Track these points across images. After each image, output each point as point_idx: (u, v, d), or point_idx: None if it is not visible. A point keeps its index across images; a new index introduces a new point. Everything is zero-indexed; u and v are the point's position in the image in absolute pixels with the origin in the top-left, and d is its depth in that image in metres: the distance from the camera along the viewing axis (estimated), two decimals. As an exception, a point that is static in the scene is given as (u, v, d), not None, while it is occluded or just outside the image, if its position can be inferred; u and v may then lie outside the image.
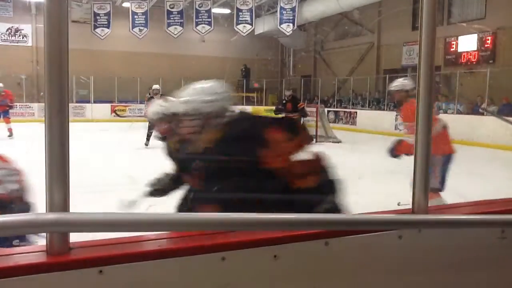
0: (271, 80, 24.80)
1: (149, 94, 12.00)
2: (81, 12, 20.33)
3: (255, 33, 20.61)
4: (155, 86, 11.88)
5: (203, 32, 17.35)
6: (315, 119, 13.96)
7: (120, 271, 1.19)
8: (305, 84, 23.52)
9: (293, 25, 16.44)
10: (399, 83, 4.96)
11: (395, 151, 5.19)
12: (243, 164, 1.89)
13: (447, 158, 4.82)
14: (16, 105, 18.04)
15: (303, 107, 12.39)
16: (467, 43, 15.89)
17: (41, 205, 1.15)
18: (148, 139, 10.76)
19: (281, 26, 16.48)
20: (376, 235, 1.49)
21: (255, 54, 24.77)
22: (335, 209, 2.13)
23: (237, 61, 24.48)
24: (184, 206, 2.59)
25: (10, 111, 14.25)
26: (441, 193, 4.60)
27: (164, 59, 22.57)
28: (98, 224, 1.12)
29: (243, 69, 24.69)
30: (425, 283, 1.61)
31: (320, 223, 1.37)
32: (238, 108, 2.19)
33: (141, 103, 22.24)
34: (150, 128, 9.93)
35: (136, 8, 17.58)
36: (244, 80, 24.15)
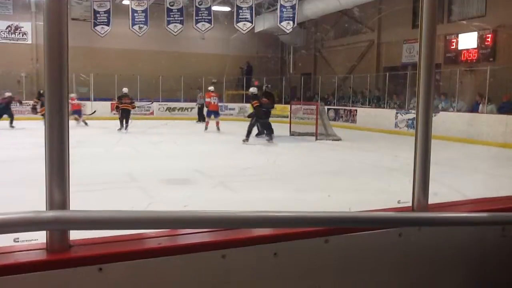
0: (271, 78, 24.80)
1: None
2: (81, 9, 20.29)
3: (255, 31, 20.57)
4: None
5: (203, 29, 17.30)
6: (315, 117, 13.96)
7: (120, 269, 1.19)
8: (305, 82, 23.49)
9: (293, 23, 16.39)
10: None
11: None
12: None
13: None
14: (16, 103, 18.18)
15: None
16: (467, 41, 15.86)
17: (41, 203, 1.15)
18: None
19: (281, 24, 16.43)
20: (376, 232, 1.49)
21: (255, 52, 24.73)
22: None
23: (237, 58, 24.44)
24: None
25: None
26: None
27: (164, 56, 22.55)
28: (98, 222, 1.12)
29: (245, 67, 24.67)
30: (425, 280, 1.61)
31: (320, 220, 1.37)
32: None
33: (141, 100, 22.23)
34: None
35: (136, 5, 17.55)
36: (245, 78, 24.13)
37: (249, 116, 13.61)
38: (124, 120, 15.44)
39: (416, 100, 1.56)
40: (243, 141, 12.25)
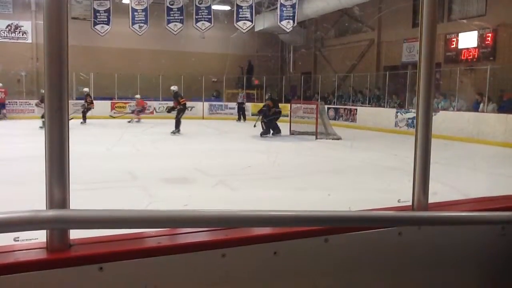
0: (271, 77, 24.76)
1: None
2: (81, 8, 20.28)
3: (255, 30, 20.56)
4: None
5: (203, 28, 17.32)
6: (315, 116, 13.96)
7: (120, 268, 1.19)
8: (305, 81, 23.48)
9: (293, 22, 16.41)
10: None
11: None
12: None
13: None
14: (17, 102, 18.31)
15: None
16: (467, 40, 15.85)
17: (41, 203, 1.15)
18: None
19: (281, 23, 16.45)
20: (376, 231, 1.49)
21: (255, 51, 24.71)
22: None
23: (237, 57, 24.42)
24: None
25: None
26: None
27: (164, 55, 22.52)
28: (98, 221, 1.12)
29: (247, 66, 24.65)
30: (425, 279, 1.61)
31: (320, 220, 1.37)
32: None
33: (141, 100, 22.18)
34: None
35: (136, 4, 17.55)
36: (245, 77, 24.11)
37: (169, 111, 15.28)
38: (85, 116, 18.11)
39: (416, 99, 1.56)
40: (172, 132, 13.87)
